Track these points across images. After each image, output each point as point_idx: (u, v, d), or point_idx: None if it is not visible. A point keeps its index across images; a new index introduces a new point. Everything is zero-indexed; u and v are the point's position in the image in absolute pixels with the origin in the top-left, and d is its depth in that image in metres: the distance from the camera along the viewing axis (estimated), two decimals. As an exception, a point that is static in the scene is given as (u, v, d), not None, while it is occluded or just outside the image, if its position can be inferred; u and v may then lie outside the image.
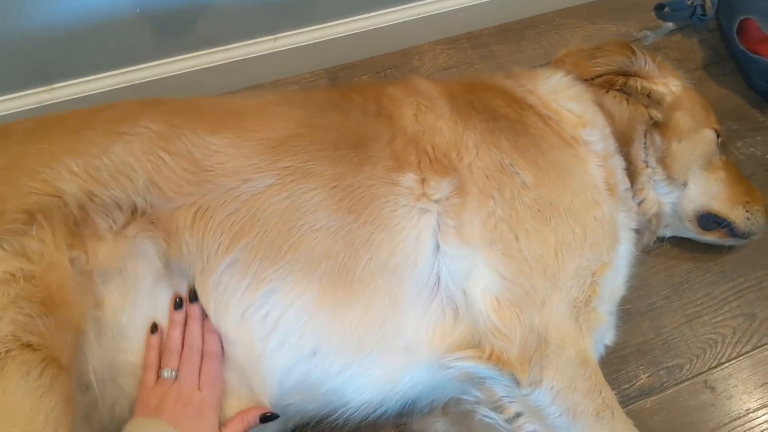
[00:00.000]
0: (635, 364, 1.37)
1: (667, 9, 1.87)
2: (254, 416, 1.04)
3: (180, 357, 1.05)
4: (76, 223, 1.03)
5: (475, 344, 1.08)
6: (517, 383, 1.06)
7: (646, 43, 1.90)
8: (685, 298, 1.47)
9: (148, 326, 1.06)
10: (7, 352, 0.89)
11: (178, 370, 1.04)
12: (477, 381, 1.09)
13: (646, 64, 1.40)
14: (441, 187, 1.11)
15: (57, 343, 0.95)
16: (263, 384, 1.05)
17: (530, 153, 1.18)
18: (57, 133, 1.10)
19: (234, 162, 1.08)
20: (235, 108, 1.18)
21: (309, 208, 1.07)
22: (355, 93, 1.25)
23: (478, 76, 1.40)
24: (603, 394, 1.09)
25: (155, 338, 1.05)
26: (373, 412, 1.11)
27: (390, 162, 1.12)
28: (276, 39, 1.62)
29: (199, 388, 1.03)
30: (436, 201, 1.11)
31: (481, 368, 1.06)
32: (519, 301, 1.08)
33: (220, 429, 1.02)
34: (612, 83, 1.38)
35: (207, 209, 1.05)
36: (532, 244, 1.11)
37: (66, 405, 0.92)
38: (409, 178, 1.11)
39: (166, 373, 1.03)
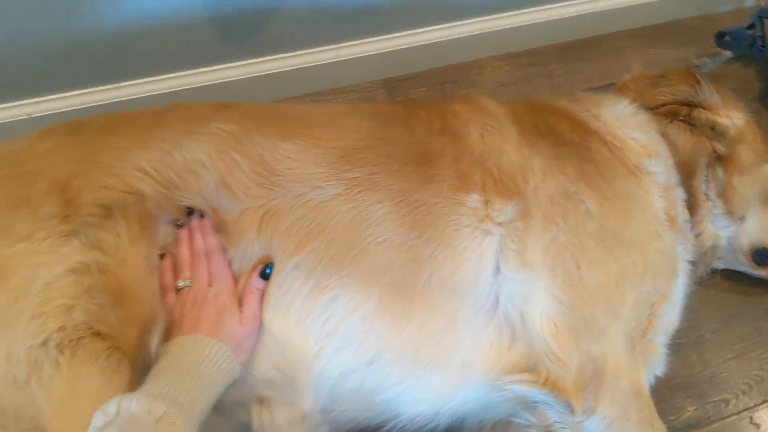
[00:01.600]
0: (682, 396, 1.37)
1: (727, 37, 1.86)
2: (256, 278, 1.06)
3: (190, 266, 1.06)
4: (146, 221, 1.06)
5: (530, 368, 1.09)
6: (572, 410, 1.06)
7: (704, 71, 1.89)
8: (733, 332, 1.46)
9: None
10: (79, 339, 0.93)
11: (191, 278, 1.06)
12: (530, 404, 1.10)
13: (710, 95, 1.39)
14: (505, 210, 1.11)
15: (125, 334, 0.99)
16: (313, 385, 1.06)
17: (595, 181, 1.18)
18: (130, 129, 1.12)
19: (304, 169, 1.09)
20: (305, 115, 1.20)
21: (374, 220, 1.08)
22: (421, 108, 1.26)
23: (541, 98, 1.40)
24: (654, 427, 1.09)
25: (166, 261, 1.08)
26: (424, 426, 1.12)
27: (455, 181, 1.13)
28: (340, 48, 1.64)
29: (209, 284, 1.04)
30: (500, 224, 1.11)
31: (536, 393, 1.07)
32: (577, 328, 1.08)
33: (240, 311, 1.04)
34: (676, 113, 1.38)
35: (275, 213, 1.07)
36: (593, 273, 1.11)
37: (130, 389, 0.95)
38: (474, 199, 1.12)
39: (180, 284, 1.05)
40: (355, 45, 1.66)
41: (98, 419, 0.82)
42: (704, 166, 1.35)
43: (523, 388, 1.08)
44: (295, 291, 1.06)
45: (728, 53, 1.93)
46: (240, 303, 1.04)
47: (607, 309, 1.10)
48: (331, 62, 1.64)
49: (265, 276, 1.05)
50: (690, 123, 1.37)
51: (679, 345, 1.41)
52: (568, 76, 1.83)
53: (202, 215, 1.08)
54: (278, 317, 1.06)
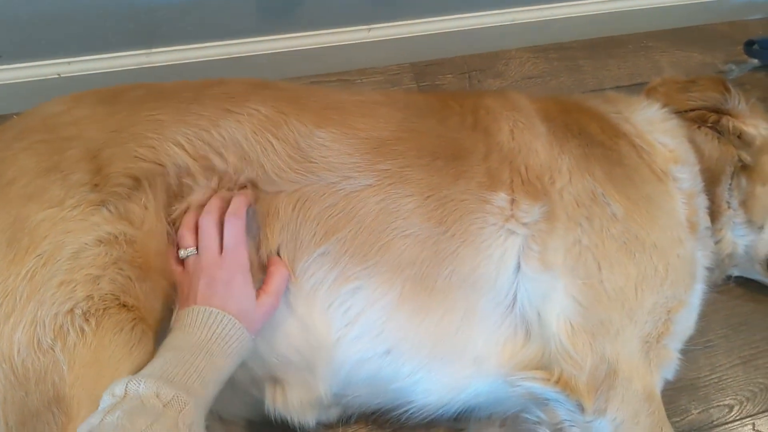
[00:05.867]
0: (687, 399, 1.39)
1: (756, 46, 1.86)
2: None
3: (195, 233, 1.03)
4: (177, 195, 1.07)
5: (543, 366, 1.10)
6: (582, 410, 1.08)
7: (730, 77, 1.88)
8: (742, 339, 1.48)
9: None
10: (105, 309, 0.93)
11: (196, 246, 1.02)
12: (541, 402, 1.12)
13: (739, 104, 1.39)
14: (532, 212, 1.12)
15: (149, 305, 0.99)
16: (330, 371, 1.08)
17: (622, 184, 1.19)
18: (167, 103, 1.12)
19: (337, 158, 1.10)
20: (339, 103, 1.19)
21: (402, 213, 1.09)
22: (454, 101, 1.26)
23: (573, 96, 1.41)
24: (663, 431, 1.11)
25: (181, 228, 1.05)
26: (434, 414, 1.15)
27: (484, 178, 1.14)
28: (370, 29, 1.64)
29: (220, 254, 1.01)
30: (525, 224, 1.12)
31: (548, 391, 1.09)
32: (593, 329, 1.10)
33: (259, 290, 1.02)
34: (704, 119, 1.38)
35: (307, 199, 1.08)
36: (614, 276, 1.12)
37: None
38: (501, 198, 1.13)
39: (182, 253, 1.03)
40: (386, 27, 1.66)
41: (105, 400, 0.82)
42: (729, 174, 1.35)
43: (536, 385, 1.09)
44: (320, 278, 1.07)
45: (755, 61, 1.93)
46: (264, 278, 1.03)
47: (625, 312, 1.11)
48: (360, 42, 1.64)
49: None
50: (717, 130, 1.38)
51: (687, 348, 1.43)
52: (595, 72, 1.83)
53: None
54: (303, 302, 1.07)
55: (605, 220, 1.15)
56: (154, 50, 1.53)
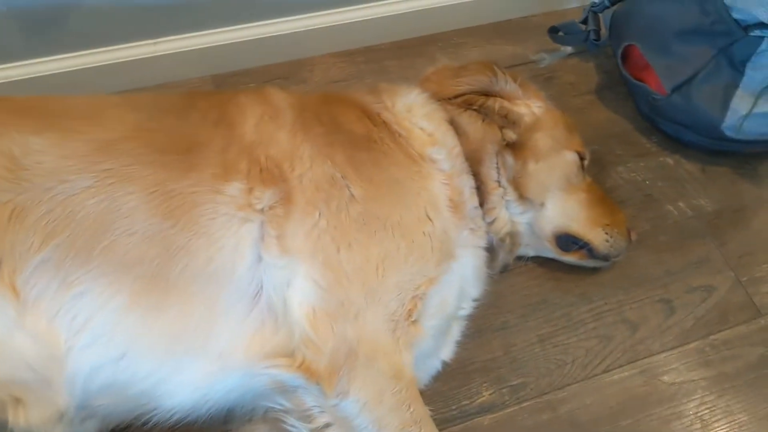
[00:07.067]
0: (479, 381, 1.37)
1: (561, 33, 1.89)
2: None
3: None
4: None
5: (289, 353, 1.09)
6: (325, 394, 1.07)
7: (542, 66, 1.92)
8: (540, 318, 1.48)
9: None
10: None
11: None
12: (288, 390, 1.10)
13: (507, 84, 1.42)
14: (264, 197, 1.12)
15: None
16: (66, 382, 1.04)
17: (366, 168, 1.20)
18: None
19: (53, 162, 1.07)
20: (71, 108, 1.18)
21: (124, 212, 1.07)
22: (203, 99, 1.26)
23: (343, 91, 1.41)
24: (412, 409, 1.10)
25: None
26: (186, 417, 1.11)
27: (218, 170, 1.13)
28: (156, 43, 1.63)
29: None
30: (260, 210, 1.11)
31: (290, 377, 1.08)
32: (334, 312, 1.09)
33: None
34: (471, 103, 1.40)
35: (23, 209, 1.04)
36: (353, 256, 1.12)
37: None
38: (234, 187, 1.12)
39: None
40: (175, 40, 1.65)
41: None
42: (493, 153, 1.37)
43: (278, 372, 1.08)
44: (43, 287, 1.03)
45: (568, 48, 1.97)
46: None
47: (366, 292, 1.11)
48: (149, 57, 1.63)
49: None
50: (484, 112, 1.40)
51: (481, 330, 1.43)
52: (402, 72, 1.84)
53: None
54: (29, 315, 1.03)
55: (344, 202, 1.15)
56: None
